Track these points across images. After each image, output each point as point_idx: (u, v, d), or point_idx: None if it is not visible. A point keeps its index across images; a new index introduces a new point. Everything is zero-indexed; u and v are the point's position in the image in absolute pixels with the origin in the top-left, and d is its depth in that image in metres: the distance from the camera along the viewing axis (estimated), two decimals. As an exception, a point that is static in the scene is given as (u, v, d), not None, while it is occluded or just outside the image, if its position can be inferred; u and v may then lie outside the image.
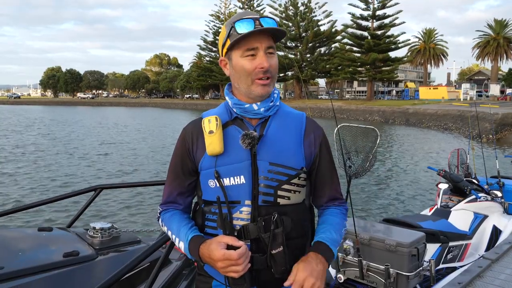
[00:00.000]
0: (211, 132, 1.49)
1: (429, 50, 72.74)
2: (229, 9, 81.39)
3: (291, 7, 69.13)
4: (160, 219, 1.64)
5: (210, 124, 1.51)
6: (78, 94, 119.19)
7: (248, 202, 1.48)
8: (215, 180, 1.49)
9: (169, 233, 1.59)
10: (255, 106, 1.52)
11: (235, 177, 1.49)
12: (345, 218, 1.66)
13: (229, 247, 1.39)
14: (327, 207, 1.66)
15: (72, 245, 2.30)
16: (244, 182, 1.48)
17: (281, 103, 1.62)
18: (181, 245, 1.52)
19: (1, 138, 23.67)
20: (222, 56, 1.57)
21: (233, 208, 1.49)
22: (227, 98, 1.59)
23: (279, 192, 1.50)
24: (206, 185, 1.53)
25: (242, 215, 1.49)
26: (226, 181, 1.49)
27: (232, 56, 1.52)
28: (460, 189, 4.89)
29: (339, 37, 65.69)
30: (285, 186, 1.51)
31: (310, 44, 67.63)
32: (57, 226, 2.92)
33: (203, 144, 1.52)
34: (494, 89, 55.87)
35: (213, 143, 1.49)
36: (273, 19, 1.50)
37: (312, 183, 1.63)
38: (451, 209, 4.63)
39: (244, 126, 1.54)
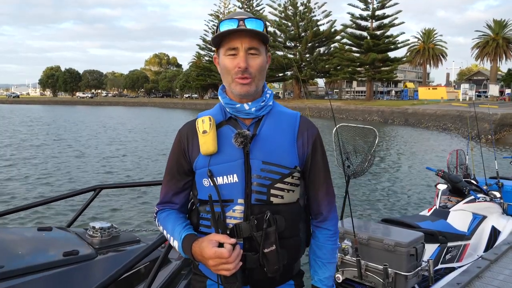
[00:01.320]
0: (204, 132, 1.51)
1: (428, 50, 72.78)
2: (228, 8, 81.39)
3: (290, 7, 69.07)
4: (156, 219, 1.67)
5: (204, 124, 1.53)
6: (77, 94, 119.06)
7: (241, 200, 1.49)
8: (209, 179, 1.50)
9: (165, 232, 1.61)
10: (246, 106, 1.54)
11: (228, 176, 1.50)
12: (336, 241, 1.67)
13: (221, 245, 1.39)
14: (317, 227, 1.66)
15: (72, 245, 2.30)
16: (237, 180, 1.49)
17: (275, 103, 1.64)
18: (175, 244, 1.53)
19: (1, 138, 23.63)
20: (215, 53, 1.61)
21: (226, 207, 1.50)
22: (220, 97, 1.61)
23: (272, 191, 1.51)
24: (201, 184, 1.55)
25: (235, 213, 1.49)
26: (220, 180, 1.50)
27: (219, 54, 1.55)
28: (459, 189, 4.89)
29: (338, 37, 65.68)
30: (278, 185, 1.51)
31: (309, 44, 67.60)
32: (57, 225, 2.92)
33: (198, 144, 1.54)
34: (493, 89, 55.91)
35: (206, 142, 1.50)
36: (262, 20, 1.51)
37: (305, 183, 1.63)
38: (449, 210, 4.64)
39: (238, 125, 1.55)
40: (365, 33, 60.85)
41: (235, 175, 1.49)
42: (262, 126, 1.55)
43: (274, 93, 1.76)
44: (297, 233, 1.57)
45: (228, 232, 1.47)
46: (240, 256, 1.41)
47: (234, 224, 1.49)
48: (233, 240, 1.40)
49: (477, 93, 56.29)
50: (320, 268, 1.63)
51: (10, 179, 11.93)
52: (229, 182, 1.50)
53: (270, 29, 64.89)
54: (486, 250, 4.44)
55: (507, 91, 54.23)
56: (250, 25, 1.47)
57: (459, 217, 4.49)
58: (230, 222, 1.49)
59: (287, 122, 1.59)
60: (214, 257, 1.37)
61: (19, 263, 2.01)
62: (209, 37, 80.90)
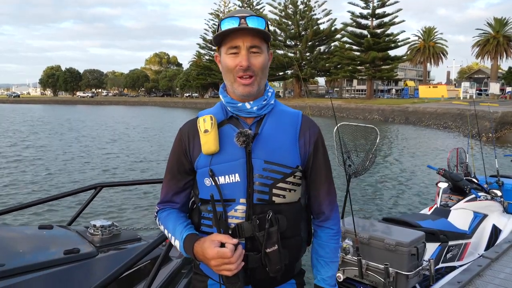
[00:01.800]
0: (206, 131, 1.50)
1: (429, 48, 72.68)
2: (229, 7, 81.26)
3: (290, 6, 69.01)
4: (157, 218, 1.66)
5: (205, 123, 1.51)
6: (78, 93, 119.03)
7: (243, 200, 1.48)
8: (210, 178, 1.49)
9: (166, 232, 1.60)
10: (247, 105, 1.53)
11: (230, 175, 1.49)
12: (338, 240, 1.66)
13: (223, 245, 1.39)
14: (319, 226, 1.65)
15: (73, 243, 2.30)
16: (239, 180, 1.48)
17: (277, 102, 1.62)
18: (176, 243, 1.53)
19: (3, 137, 23.64)
20: (217, 51, 1.59)
21: (228, 207, 1.49)
22: (221, 96, 1.59)
23: (274, 191, 1.50)
24: (203, 184, 1.54)
25: (237, 213, 1.48)
26: (221, 179, 1.49)
27: (221, 53, 1.54)
28: (460, 188, 4.89)
29: (338, 36, 65.67)
30: (280, 185, 1.50)
31: (309, 43, 67.54)
32: (58, 224, 2.93)
33: (199, 143, 1.53)
34: (494, 87, 55.87)
35: (208, 142, 1.49)
36: (264, 18, 1.49)
37: (307, 182, 1.62)
38: (450, 208, 4.64)
39: (240, 125, 1.54)
40: (365, 32, 60.79)
41: (237, 175, 1.48)
42: (264, 125, 1.54)
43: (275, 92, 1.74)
44: (298, 232, 1.57)
45: (230, 232, 1.46)
46: (242, 256, 1.40)
47: (236, 223, 1.48)
48: (235, 241, 1.39)
49: (477, 91, 56.27)
50: (323, 267, 1.62)
51: (12, 178, 11.94)
52: (231, 181, 1.49)
53: (270, 28, 64.73)
54: (487, 248, 4.43)
55: (508, 89, 54.16)
56: (252, 23, 1.45)
57: (460, 215, 4.48)
58: (232, 222, 1.48)
59: (288, 121, 1.58)
60: (216, 257, 1.37)
61: (20, 261, 2.01)
62: (209, 36, 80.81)
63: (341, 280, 3.40)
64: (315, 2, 67.94)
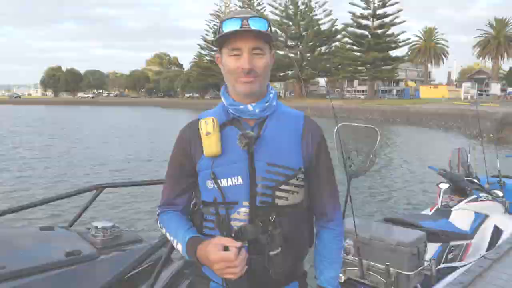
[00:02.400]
0: (208, 133, 1.48)
1: (430, 49, 72.69)
2: (229, 8, 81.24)
3: (291, 6, 69.06)
4: (158, 221, 1.65)
5: (207, 125, 1.50)
6: (79, 94, 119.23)
7: (245, 203, 1.47)
8: (212, 181, 1.48)
9: (168, 234, 1.59)
10: (250, 107, 1.51)
11: (233, 178, 1.48)
12: (341, 241, 1.66)
13: (226, 248, 1.37)
14: (322, 227, 1.65)
15: (74, 245, 2.30)
16: (242, 182, 1.47)
17: (279, 103, 1.61)
18: (179, 246, 1.51)
19: (5, 138, 23.68)
20: (218, 52, 1.58)
21: (230, 209, 1.48)
22: (222, 98, 1.58)
23: (277, 193, 1.49)
24: (204, 186, 1.53)
25: (240, 216, 1.47)
26: (224, 182, 1.48)
27: (222, 54, 1.52)
28: (461, 188, 4.89)
29: (339, 36, 65.79)
30: (283, 187, 1.49)
31: (310, 43, 67.55)
32: (59, 225, 2.93)
33: (200, 146, 1.51)
34: (495, 88, 55.83)
35: (210, 144, 1.48)
36: (266, 19, 1.48)
37: (309, 184, 1.61)
38: (452, 209, 4.63)
39: (242, 126, 1.52)
40: (366, 32, 60.87)
41: (239, 177, 1.47)
42: (266, 127, 1.53)
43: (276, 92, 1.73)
44: (301, 234, 1.56)
45: (233, 235, 1.45)
46: (245, 260, 1.39)
47: (239, 226, 1.46)
48: (239, 244, 1.38)
49: (478, 92, 56.24)
50: (326, 268, 1.62)
51: (14, 179, 11.94)
52: (234, 184, 1.47)
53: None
54: (488, 249, 4.43)
55: (509, 89, 54.11)
56: (254, 24, 1.44)
57: (461, 216, 4.48)
58: (235, 225, 1.47)
59: (291, 122, 1.56)
60: (220, 261, 1.35)
61: (21, 263, 2.01)
62: (210, 37, 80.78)
63: (342, 280, 3.40)
64: (316, 3, 68.05)
